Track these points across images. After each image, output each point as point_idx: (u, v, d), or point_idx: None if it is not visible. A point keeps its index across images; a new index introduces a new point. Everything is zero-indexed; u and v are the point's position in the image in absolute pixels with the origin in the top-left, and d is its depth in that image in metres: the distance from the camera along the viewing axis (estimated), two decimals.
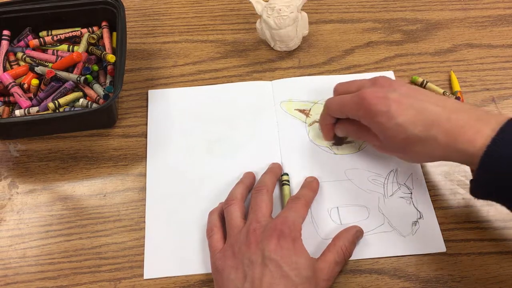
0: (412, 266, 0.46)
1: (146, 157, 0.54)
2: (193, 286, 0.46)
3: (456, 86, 0.58)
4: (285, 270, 0.40)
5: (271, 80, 0.59)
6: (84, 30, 0.60)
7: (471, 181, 0.42)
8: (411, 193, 0.50)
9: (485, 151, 0.38)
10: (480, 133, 0.39)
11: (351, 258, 0.46)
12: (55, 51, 0.59)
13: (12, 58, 0.59)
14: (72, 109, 0.55)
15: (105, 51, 0.58)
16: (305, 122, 0.56)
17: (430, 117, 0.42)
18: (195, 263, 0.47)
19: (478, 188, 0.42)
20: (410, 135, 0.42)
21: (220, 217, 0.47)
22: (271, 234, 0.41)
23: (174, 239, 0.48)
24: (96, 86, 0.56)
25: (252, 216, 0.44)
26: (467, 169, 0.51)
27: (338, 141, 0.54)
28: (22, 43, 0.60)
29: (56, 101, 0.54)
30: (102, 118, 0.55)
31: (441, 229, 0.48)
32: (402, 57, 0.62)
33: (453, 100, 0.44)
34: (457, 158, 0.42)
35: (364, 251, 0.47)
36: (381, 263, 0.46)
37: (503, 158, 0.38)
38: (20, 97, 0.55)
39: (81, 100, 0.55)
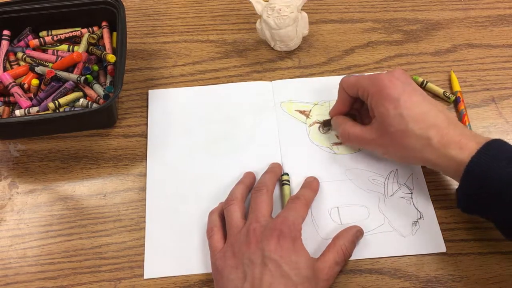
0: (412, 266, 0.46)
1: (146, 157, 0.54)
2: (193, 286, 0.46)
3: (456, 86, 0.58)
4: (285, 270, 0.40)
5: (271, 80, 0.59)
6: (84, 30, 0.60)
7: (457, 190, 0.43)
8: (411, 193, 0.50)
9: (470, 160, 0.41)
10: (470, 144, 0.42)
11: (351, 258, 0.46)
12: (55, 51, 0.59)
13: (12, 58, 0.59)
14: (72, 109, 0.55)
15: (105, 51, 0.58)
16: (305, 123, 0.56)
17: (432, 120, 0.44)
18: (195, 263, 0.47)
19: (463, 197, 0.43)
20: (408, 129, 0.44)
21: (220, 217, 0.47)
22: (271, 234, 0.41)
23: (174, 239, 0.48)
24: (96, 86, 0.56)
25: (252, 216, 0.44)
26: None
27: (327, 124, 0.55)
28: (22, 43, 0.60)
29: (56, 101, 0.54)
30: (102, 118, 0.55)
31: (441, 229, 0.48)
32: (402, 57, 0.62)
33: (453, 115, 0.46)
34: (444, 164, 0.43)
35: (364, 251, 0.47)
36: (381, 263, 0.46)
37: (484, 168, 0.40)
38: (20, 97, 0.55)
39: (81, 100, 0.55)
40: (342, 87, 0.51)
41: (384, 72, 0.48)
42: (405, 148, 0.45)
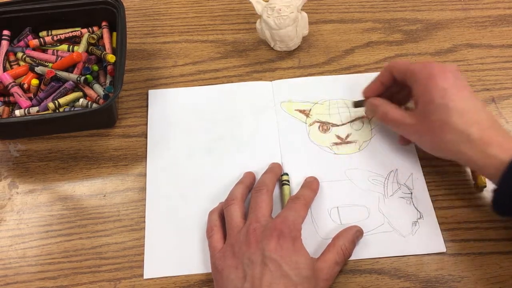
0: (412, 266, 0.46)
1: (146, 157, 0.54)
2: (193, 286, 0.46)
3: None
4: (284, 270, 0.40)
5: (271, 80, 0.59)
6: (84, 30, 0.60)
7: (494, 191, 0.43)
8: (411, 193, 0.50)
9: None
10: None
11: (351, 258, 0.46)
12: (55, 51, 0.59)
13: (12, 58, 0.59)
14: (72, 109, 0.55)
15: (105, 51, 0.58)
16: (305, 123, 0.56)
17: (476, 117, 0.44)
18: (195, 263, 0.47)
19: (502, 198, 0.42)
20: (450, 122, 0.44)
21: (220, 217, 0.47)
22: (271, 234, 0.41)
23: (174, 239, 0.48)
24: (96, 86, 0.56)
25: (252, 216, 0.44)
26: (467, 169, 0.52)
27: (358, 104, 0.55)
28: (22, 43, 0.60)
29: (56, 101, 0.54)
30: (102, 118, 0.55)
31: (441, 229, 0.48)
32: (402, 57, 0.62)
33: (497, 118, 0.45)
34: (482, 162, 0.43)
35: (364, 251, 0.47)
36: (381, 263, 0.46)
37: None
38: (20, 97, 0.55)
39: (81, 100, 0.55)
40: (390, 69, 0.50)
41: (437, 62, 0.47)
42: (442, 140, 0.45)
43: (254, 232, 0.42)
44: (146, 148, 0.54)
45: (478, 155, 0.43)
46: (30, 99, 0.56)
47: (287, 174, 0.51)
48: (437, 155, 0.48)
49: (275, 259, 0.40)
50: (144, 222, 0.49)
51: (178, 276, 0.46)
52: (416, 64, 0.48)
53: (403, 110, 0.49)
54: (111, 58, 0.55)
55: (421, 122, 0.46)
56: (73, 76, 0.55)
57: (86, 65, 0.56)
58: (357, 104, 0.55)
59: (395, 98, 0.52)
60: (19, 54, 0.58)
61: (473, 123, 0.43)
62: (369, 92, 0.53)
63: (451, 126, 0.44)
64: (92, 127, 0.56)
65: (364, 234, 0.47)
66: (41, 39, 0.59)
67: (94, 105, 0.55)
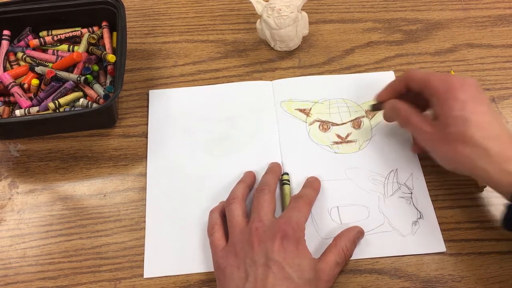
0: (412, 266, 0.46)
1: (146, 157, 0.54)
2: (193, 286, 0.46)
3: None
4: (288, 272, 0.40)
5: (271, 80, 0.59)
6: (84, 30, 0.60)
7: (507, 207, 0.42)
8: (411, 193, 0.50)
9: None
10: None
11: (351, 258, 0.46)
12: (55, 51, 0.59)
13: (12, 58, 0.59)
14: (72, 109, 0.55)
15: (105, 51, 0.58)
16: (306, 122, 0.56)
17: (495, 131, 0.43)
18: (196, 263, 0.47)
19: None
20: (468, 134, 0.42)
21: (221, 216, 0.47)
22: (274, 235, 0.41)
23: (174, 239, 0.48)
24: (97, 86, 0.56)
25: (255, 216, 0.44)
26: None
27: (376, 107, 0.53)
28: (22, 43, 0.60)
29: (56, 101, 0.54)
30: (102, 118, 0.55)
31: (441, 229, 0.48)
32: (402, 57, 0.62)
33: None
34: (500, 178, 0.41)
35: (364, 251, 0.47)
36: (381, 263, 0.46)
37: None
38: (20, 97, 0.55)
39: (81, 100, 0.55)
40: (406, 79, 0.48)
41: (456, 76, 0.46)
42: (457, 152, 0.43)
43: (256, 231, 0.42)
44: (146, 148, 0.54)
45: (495, 170, 0.41)
46: (30, 99, 0.56)
47: (287, 174, 0.51)
48: (449, 168, 0.46)
49: (278, 261, 0.40)
50: (144, 222, 0.49)
51: (178, 275, 0.46)
52: (434, 76, 0.46)
53: (425, 116, 0.47)
54: (111, 58, 0.55)
55: (439, 132, 0.45)
56: (73, 76, 0.55)
57: (86, 65, 0.56)
58: (375, 107, 0.53)
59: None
60: (19, 54, 0.58)
61: (492, 137, 0.42)
62: (382, 98, 0.52)
63: (469, 139, 0.42)
64: (92, 127, 0.56)
65: (364, 234, 0.47)
66: (41, 39, 0.59)
67: (94, 105, 0.55)
